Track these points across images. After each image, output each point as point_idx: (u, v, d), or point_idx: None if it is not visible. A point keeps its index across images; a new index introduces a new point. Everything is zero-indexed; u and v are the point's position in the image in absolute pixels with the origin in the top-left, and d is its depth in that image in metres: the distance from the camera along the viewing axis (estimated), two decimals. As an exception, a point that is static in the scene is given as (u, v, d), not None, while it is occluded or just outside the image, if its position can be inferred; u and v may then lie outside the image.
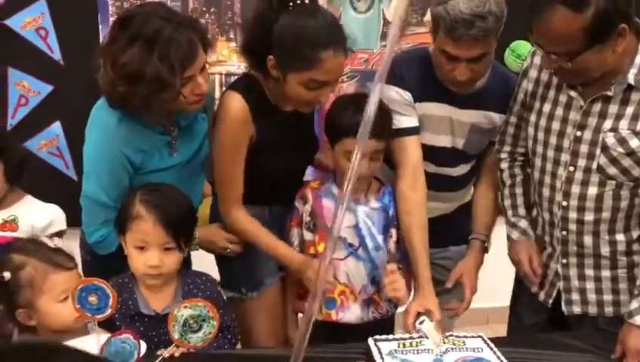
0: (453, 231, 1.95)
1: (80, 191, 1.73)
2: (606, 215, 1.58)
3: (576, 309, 1.68)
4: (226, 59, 2.61)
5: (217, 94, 2.62)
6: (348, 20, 2.53)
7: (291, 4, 1.55)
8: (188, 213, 1.60)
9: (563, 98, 1.59)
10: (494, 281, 2.23)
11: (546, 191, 1.65)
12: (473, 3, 1.51)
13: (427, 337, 1.52)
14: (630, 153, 1.49)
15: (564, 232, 1.64)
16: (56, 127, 2.54)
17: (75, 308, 1.33)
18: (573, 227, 1.62)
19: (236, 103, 1.65)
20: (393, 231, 1.79)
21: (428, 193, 1.79)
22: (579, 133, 1.56)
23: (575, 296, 1.68)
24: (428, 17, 2.55)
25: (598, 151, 1.53)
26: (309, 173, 1.90)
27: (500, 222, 2.22)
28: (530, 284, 1.76)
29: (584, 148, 1.55)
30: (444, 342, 1.50)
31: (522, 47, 2.65)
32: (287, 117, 1.74)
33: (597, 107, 1.52)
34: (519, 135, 1.77)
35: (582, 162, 1.56)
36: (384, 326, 1.82)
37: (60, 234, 1.91)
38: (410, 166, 1.73)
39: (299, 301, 1.86)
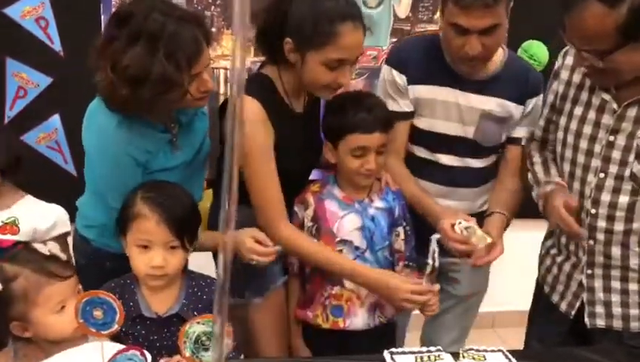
0: None
1: (79, 186, 1.69)
2: (637, 225, 1.51)
3: (600, 322, 1.62)
4: (232, 54, 2.53)
5: (222, 90, 2.56)
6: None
7: None
8: (192, 211, 1.54)
9: (596, 101, 1.53)
10: (500, 286, 2.18)
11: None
12: None
13: (472, 235, 1.57)
14: None
15: (591, 242, 1.57)
16: (55, 120, 2.47)
17: (77, 322, 1.25)
18: (601, 237, 1.55)
19: (253, 105, 1.57)
20: (400, 230, 1.74)
21: (439, 189, 1.77)
22: (612, 138, 1.49)
23: (599, 309, 1.61)
24: (438, 15, 2.52)
25: (631, 157, 1.47)
26: (315, 175, 1.85)
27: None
28: (567, 232, 1.57)
29: (617, 155, 1.49)
30: (463, 356, 1.44)
31: (535, 47, 2.61)
32: (297, 118, 1.69)
33: (632, 111, 1.46)
34: (547, 138, 1.71)
35: (614, 168, 1.50)
36: (387, 331, 1.79)
37: (64, 236, 1.82)
38: (394, 151, 1.77)
39: (301, 309, 1.79)
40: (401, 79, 1.76)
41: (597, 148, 1.53)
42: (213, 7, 2.47)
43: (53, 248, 1.45)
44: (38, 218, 1.76)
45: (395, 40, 2.59)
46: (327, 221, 1.69)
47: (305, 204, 1.72)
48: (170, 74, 1.40)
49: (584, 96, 1.56)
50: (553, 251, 1.73)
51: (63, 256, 1.46)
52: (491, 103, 1.75)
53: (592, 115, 1.53)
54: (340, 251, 1.69)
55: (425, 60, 1.74)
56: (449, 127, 1.76)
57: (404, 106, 1.78)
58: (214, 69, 2.47)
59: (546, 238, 1.79)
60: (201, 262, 1.69)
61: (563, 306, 1.69)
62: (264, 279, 1.75)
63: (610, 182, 1.51)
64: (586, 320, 1.63)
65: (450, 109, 1.75)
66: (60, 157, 2.52)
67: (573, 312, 1.66)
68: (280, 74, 1.64)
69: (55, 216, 1.79)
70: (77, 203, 1.75)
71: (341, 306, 1.73)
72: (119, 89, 1.42)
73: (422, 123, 1.79)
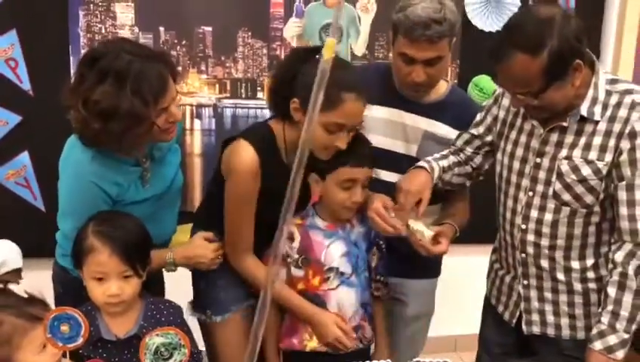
0: (414, 260, 1.83)
1: (48, 222, 1.74)
2: (560, 242, 1.64)
3: (536, 329, 1.73)
4: (197, 91, 2.64)
5: (188, 125, 2.65)
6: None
7: (318, 56, 1.61)
8: (142, 239, 1.59)
9: (527, 126, 1.67)
10: (462, 308, 2.27)
11: (508, 214, 1.72)
12: (430, 9, 1.68)
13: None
14: (582, 180, 1.56)
15: (523, 255, 1.70)
16: (24, 157, 2.52)
17: (45, 337, 1.31)
18: (530, 250, 1.68)
19: (249, 155, 1.68)
20: (375, 249, 1.83)
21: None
22: (538, 160, 1.63)
23: (535, 317, 1.73)
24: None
25: (554, 177, 1.60)
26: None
27: (467, 251, 2.28)
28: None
29: (542, 175, 1.62)
30: None
31: (484, 81, 2.79)
32: (289, 167, 1.77)
33: (554, 136, 1.60)
34: (471, 142, 1.84)
35: (540, 188, 1.63)
36: (366, 352, 1.85)
37: (17, 271, 1.84)
38: None
39: (286, 339, 1.81)
40: None
41: (527, 169, 1.65)
42: (179, 47, 2.58)
43: (28, 288, 1.50)
44: None
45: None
46: (314, 251, 1.75)
47: (290, 237, 1.76)
48: (137, 109, 1.48)
49: (518, 121, 1.70)
50: (497, 265, 1.86)
51: (40, 295, 1.49)
52: (434, 126, 1.89)
53: (523, 138, 1.68)
54: (328, 278, 1.75)
55: (376, 84, 1.88)
56: (394, 143, 1.89)
57: None
58: (180, 106, 2.57)
59: (491, 254, 1.91)
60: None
61: (506, 316, 1.80)
62: (226, 300, 1.83)
63: (537, 200, 1.64)
64: (524, 327, 1.74)
65: (395, 128, 1.88)
66: (28, 193, 2.55)
67: (514, 321, 1.77)
68: (284, 129, 1.74)
69: (3, 253, 1.76)
70: (56, 234, 1.79)
71: None
72: (91, 124, 1.50)
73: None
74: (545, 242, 1.65)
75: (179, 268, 1.78)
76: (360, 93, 1.65)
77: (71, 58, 2.46)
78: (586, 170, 1.56)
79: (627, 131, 1.50)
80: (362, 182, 1.74)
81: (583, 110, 1.55)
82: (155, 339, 1.33)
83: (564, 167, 1.58)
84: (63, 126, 1.67)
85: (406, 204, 1.69)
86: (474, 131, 1.84)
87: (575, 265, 1.65)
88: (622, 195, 1.53)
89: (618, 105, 1.53)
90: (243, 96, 2.67)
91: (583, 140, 1.56)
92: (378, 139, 1.86)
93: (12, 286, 1.53)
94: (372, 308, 1.85)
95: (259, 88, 2.67)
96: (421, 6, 1.69)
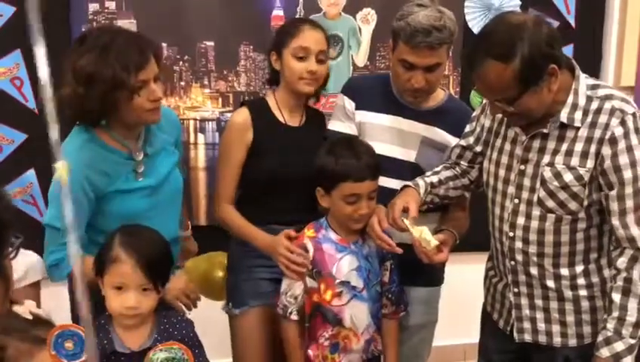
0: (417, 268, 1.84)
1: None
2: (548, 249, 1.63)
3: (527, 337, 1.72)
4: (200, 105, 2.66)
5: (192, 139, 2.67)
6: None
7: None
8: (165, 256, 1.62)
9: (510, 133, 1.68)
10: (471, 317, 2.26)
11: (496, 222, 1.71)
12: (431, 17, 1.74)
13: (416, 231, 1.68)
14: (565, 187, 1.56)
15: (512, 262, 1.69)
16: (30, 174, 2.54)
17: (49, 354, 1.31)
18: (519, 257, 1.67)
19: (238, 113, 1.96)
20: (388, 264, 1.85)
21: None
22: (522, 167, 1.63)
23: (526, 325, 1.71)
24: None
25: (538, 184, 1.60)
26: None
27: (473, 260, 2.27)
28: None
29: (527, 182, 1.62)
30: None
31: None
32: (288, 130, 1.97)
33: (537, 143, 1.61)
34: (463, 155, 1.85)
35: (525, 195, 1.63)
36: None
37: (36, 284, 1.86)
38: None
39: (306, 348, 1.83)
40: (350, 105, 1.96)
41: (512, 176, 1.65)
42: (181, 62, 2.60)
43: (32, 307, 1.50)
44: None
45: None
46: (326, 264, 1.77)
47: (304, 249, 1.79)
48: (118, 73, 1.58)
49: (502, 129, 1.71)
50: (491, 273, 1.85)
51: (44, 315, 1.48)
52: (431, 132, 1.93)
53: (507, 146, 1.68)
54: (340, 293, 1.78)
55: (374, 91, 1.95)
56: (392, 149, 1.92)
57: (348, 128, 1.96)
58: (184, 120, 2.60)
59: (486, 262, 1.90)
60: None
61: (501, 323, 1.80)
62: (244, 293, 1.95)
63: (523, 208, 1.63)
64: (515, 335, 1.73)
65: (393, 134, 1.92)
66: (35, 210, 2.57)
67: (508, 328, 1.76)
68: (274, 93, 1.99)
69: (27, 264, 1.84)
70: None
71: (338, 343, 1.81)
72: (76, 89, 1.59)
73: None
74: (533, 249, 1.64)
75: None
76: (313, 24, 1.93)
77: (75, 76, 2.48)
78: (568, 177, 1.55)
79: (607, 137, 1.50)
80: (367, 195, 1.75)
81: (563, 117, 1.55)
82: (158, 354, 1.34)
83: (547, 173, 1.58)
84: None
85: (394, 213, 1.69)
86: (463, 143, 1.84)
87: (564, 272, 1.63)
88: (613, 206, 1.52)
89: (598, 110, 1.53)
90: (246, 109, 2.69)
91: (564, 146, 1.56)
92: (377, 146, 1.88)
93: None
94: (381, 323, 1.86)
95: (262, 101, 2.70)
96: (422, 14, 1.74)
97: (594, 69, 2.94)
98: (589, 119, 1.53)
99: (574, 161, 1.55)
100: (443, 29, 1.74)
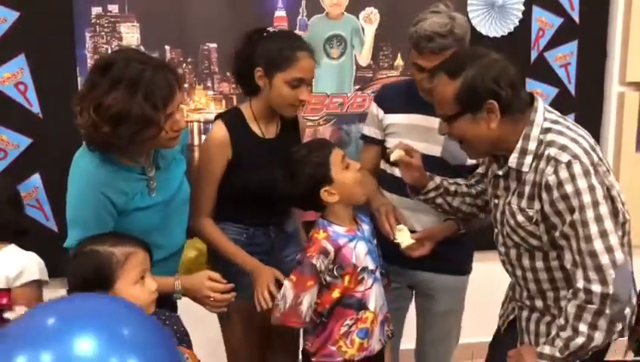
0: (443, 256, 2.02)
1: (60, 243, 1.73)
2: (529, 274, 1.66)
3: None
4: (204, 107, 2.66)
5: (196, 141, 2.67)
6: (323, 66, 2.60)
7: (265, 33, 1.97)
8: None
9: (492, 167, 1.74)
10: (479, 315, 2.25)
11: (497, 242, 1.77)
12: (437, 24, 1.84)
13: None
14: (519, 226, 1.60)
15: (513, 277, 1.76)
16: (36, 179, 2.55)
17: None
18: (513, 277, 1.75)
19: (216, 129, 1.98)
20: (375, 240, 1.94)
21: (406, 201, 2.00)
22: (495, 201, 1.70)
23: (526, 339, 1.73)
24: (398, 62, 2.69)
25: (505, 220, 1.66)
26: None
27: (487, 258, 2.26)
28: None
29: (498, 216, 1.70)
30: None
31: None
32: (264, 142, 2.00)
33: (500, 182, 1.67)
34: (481, 181, 1.90)
35: (499, 227, 1.70)
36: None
37: (36, 283, 1.86)
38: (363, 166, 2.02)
39: (324, 348, 1.85)
40: (378, 111, 2.10)
41: (492, 207, 1.74)
42: (184, 64, 2.61)
43: (20, 310, 1.51)
44: (8, 265, 1.81)
45: (358, 87, 2.74)
46: (345, 256, 1.81)
47: (325, 252, 1.79)
48: (148, 112, 1.56)
49: (487, 161, 1.79)
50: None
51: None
52: None
53: (488, 179, 1.76)
54: (362, 279, 1.82)
55: (401, 95, 2.09)
56: (418, 146, 1.95)
57: (374, 133, 2.13)
58: (187, 122, 2.59)
59: None
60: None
61: (500, 323, 1.85)
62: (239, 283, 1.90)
63: (500, 238, 1.71)
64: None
65: (419, 131, 2.01)
66: (41, 214, 2.59)
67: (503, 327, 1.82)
68: (251, 105, 2.02)
69: (22, 263, 1.83)
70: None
71: (367, 328, 1.84)
72: (101, 127, 1.56)
73: (394, 142, 1.98)
74: (518, 273, 1.69)
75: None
76: (310, 51, 1.94)
77: (79, 80, 2.49)
78: (520, 218, 1.59)
79: (543, 184, 1.52)
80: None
81: (512, 161, 1.58)
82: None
83: (506, 212, 1.63)
84: (73, 147, 1.71)
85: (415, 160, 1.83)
86: (480, 170, 1.90)
87: (549, 294, 1.65)
88: (563, 243, 1.53)
89: (540, 156, 1.54)
90: (250, 110, 2.69)
91: (519, 188, 1.60)
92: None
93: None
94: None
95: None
96: (430, 21, 1.85)
97: (598, 65, 2.92)
98: (534, 163, 1.55)
99: (524, 203, 1.58)
100: (448, 35, 1.83)
